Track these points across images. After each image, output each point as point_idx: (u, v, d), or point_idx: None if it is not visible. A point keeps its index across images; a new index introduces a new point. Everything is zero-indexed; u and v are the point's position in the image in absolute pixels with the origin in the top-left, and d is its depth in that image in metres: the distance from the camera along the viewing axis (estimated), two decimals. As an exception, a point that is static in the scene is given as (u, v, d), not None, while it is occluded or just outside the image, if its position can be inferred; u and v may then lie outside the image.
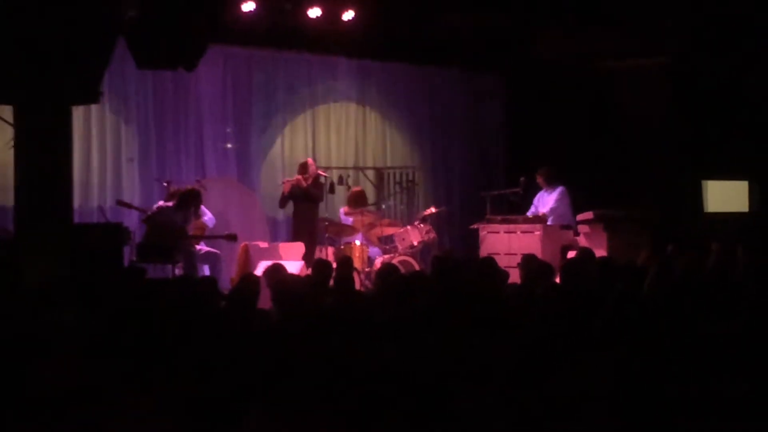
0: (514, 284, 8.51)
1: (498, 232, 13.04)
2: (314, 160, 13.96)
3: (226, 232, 11.99)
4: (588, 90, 15.52)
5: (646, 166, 15.18)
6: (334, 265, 9.16)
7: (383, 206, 15.04)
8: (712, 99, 14.80)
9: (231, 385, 4.56)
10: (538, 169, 13.77)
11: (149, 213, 11.72)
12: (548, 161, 13.99)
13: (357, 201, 13.65)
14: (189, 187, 12.04)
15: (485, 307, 6.52)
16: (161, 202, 11.93)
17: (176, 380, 4.69)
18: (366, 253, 13.03)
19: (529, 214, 13.63)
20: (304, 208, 13.05)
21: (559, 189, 13.72)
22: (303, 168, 13.17)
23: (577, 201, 13.77)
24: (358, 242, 12.99)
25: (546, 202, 13.71)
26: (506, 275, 9.07)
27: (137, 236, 11.64)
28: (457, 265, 8.84)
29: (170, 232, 11.35)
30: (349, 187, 13.89)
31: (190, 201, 11.70)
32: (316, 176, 13.12)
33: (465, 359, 5.14)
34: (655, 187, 14.86)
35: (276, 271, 8.43)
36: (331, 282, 8.53)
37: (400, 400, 4.49)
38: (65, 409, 4.55)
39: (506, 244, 12.83)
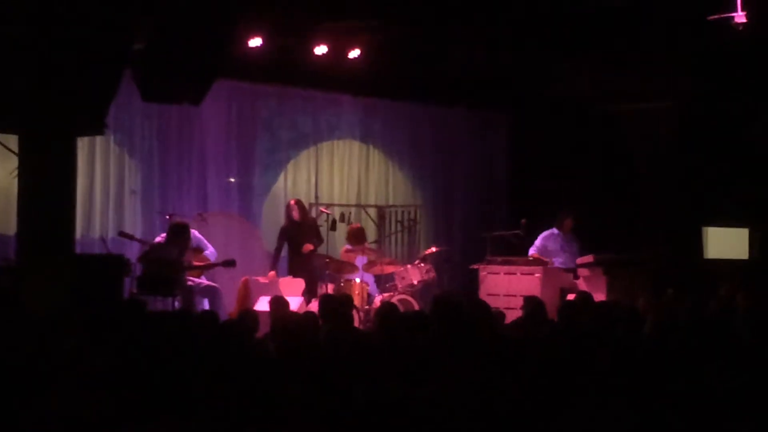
0: (512, 322, 8.53)
1: (498, 273, 13.07)
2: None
3: (223, 259, 11.99)
4: (591, 134, 15.54)
5: (648, 210, 15.20)
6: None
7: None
8: (714, 145, 14.83)
9: (229, 415, 4.57)
10: (570, 213, 13.84)
11: (142, 253, 11.72)
12: (549, 203, 14.04)
13: (356, 238, 13.64)
14: (176, 220, 12.02)
15: (483, 347, 6.52)
16: (163, 235, 11.96)
17: (175, 411, 4.70)
18: (366, 291, 13.00)
19: (532, 252, 13.61)
20: (298, 246, 13.07)
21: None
22: (287, 209, 13.28)
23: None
24: (358, 280, 12.97)
25: (570, 248, 13.77)
26: (503, 316, 9.09)
27: (138, 268, 11.64)
28: (456, 305, 8.84)
29: (167, 266, 11.35)
30: (350, 225, 13.90)
31: (177, 234, 11.71)
32: (302, 221, 13.17)
33: (464, 398, 5.14)
34: (655, 232, 14.87)
35: (281, 304, 8.45)
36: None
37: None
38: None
39: (506, 285, 12.85)
